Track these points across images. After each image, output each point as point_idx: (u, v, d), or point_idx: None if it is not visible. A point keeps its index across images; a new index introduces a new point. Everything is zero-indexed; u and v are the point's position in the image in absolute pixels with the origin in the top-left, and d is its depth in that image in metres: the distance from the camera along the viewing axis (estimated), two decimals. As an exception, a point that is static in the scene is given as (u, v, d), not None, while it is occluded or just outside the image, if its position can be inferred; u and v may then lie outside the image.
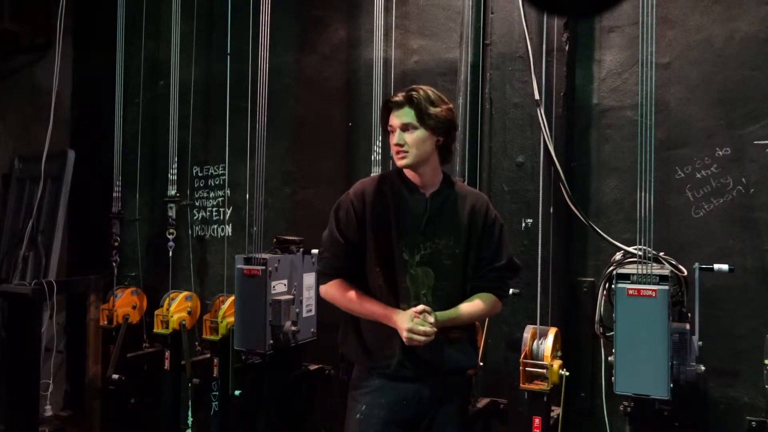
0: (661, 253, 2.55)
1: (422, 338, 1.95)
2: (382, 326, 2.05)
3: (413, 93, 2.04)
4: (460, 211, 2.11)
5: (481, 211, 2.13)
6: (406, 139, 2.03)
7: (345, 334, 2.18)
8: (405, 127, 2.03)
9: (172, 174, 3.74)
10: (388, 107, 2.08)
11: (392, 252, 2.06)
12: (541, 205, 2.83)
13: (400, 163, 2.06)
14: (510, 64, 3.03)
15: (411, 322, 1.95)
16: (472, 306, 2.10)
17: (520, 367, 2.52)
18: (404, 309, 2.03)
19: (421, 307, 1.99)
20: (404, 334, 1.96)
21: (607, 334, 2.59)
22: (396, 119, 2.05)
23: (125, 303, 3.83)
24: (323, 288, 2.16)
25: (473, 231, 2.11)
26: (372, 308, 2.06)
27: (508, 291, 2.25)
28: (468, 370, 2.30)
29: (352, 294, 2.09)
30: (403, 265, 2.06)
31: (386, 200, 2.10)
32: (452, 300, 2.09)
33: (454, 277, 2.09)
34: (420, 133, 2.03)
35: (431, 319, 1.97)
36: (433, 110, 2.03)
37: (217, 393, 3.46)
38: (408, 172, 2.12)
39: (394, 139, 2.05)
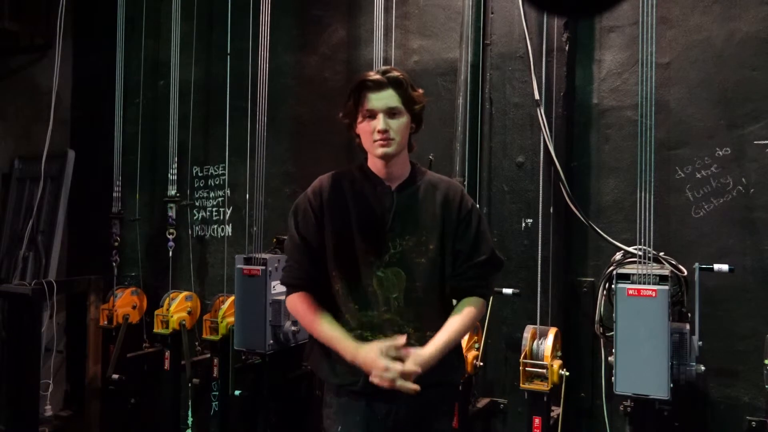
0: (661, 253, 2.55)
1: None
2: None
3: (395, 73, 1.83)
4: (431, 202, 1.90)
5: (455, 200, 1.91)
6: (392, 125, 1.81)
7: (311, 347, 1.97)
8: (390, 112, 1.81)
9: (172, 174, 3.74)
10: (364, 88, 1.82)
11: (354, 253, 1.85)
12: (541, 205, 2.83)
13: (382, 151, 1.82)
14: (510, 64, 3.03)
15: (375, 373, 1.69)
16: (461, 322, 1.84)
17: (520, 367, 2.53)
18: (371, 315, 1.82)
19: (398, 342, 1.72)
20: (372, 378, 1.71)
21: (607, 334, 2.59)
22: (377, 102, 1.81)
23: (125, 303, 3.83)
24: (288, 301, 1.94)
25: (447, 223, 1.88)
26: (332, 338, 1.81)
27: (493, 289, 2.13)
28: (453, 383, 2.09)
29: (313, 316, 1.86)
30: (368, 266, 1.84)
31: (345, 197, 1.90)
32: (429, 303, 1.86)
33: (429, 277, 1.86)
34: (405, 118, 1.84)
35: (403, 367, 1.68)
36: (414, 94, 1.86)
37: (217, 393, 3.46)
38: (373, 164, 1.91)
39: (379, 124, 1.80)
